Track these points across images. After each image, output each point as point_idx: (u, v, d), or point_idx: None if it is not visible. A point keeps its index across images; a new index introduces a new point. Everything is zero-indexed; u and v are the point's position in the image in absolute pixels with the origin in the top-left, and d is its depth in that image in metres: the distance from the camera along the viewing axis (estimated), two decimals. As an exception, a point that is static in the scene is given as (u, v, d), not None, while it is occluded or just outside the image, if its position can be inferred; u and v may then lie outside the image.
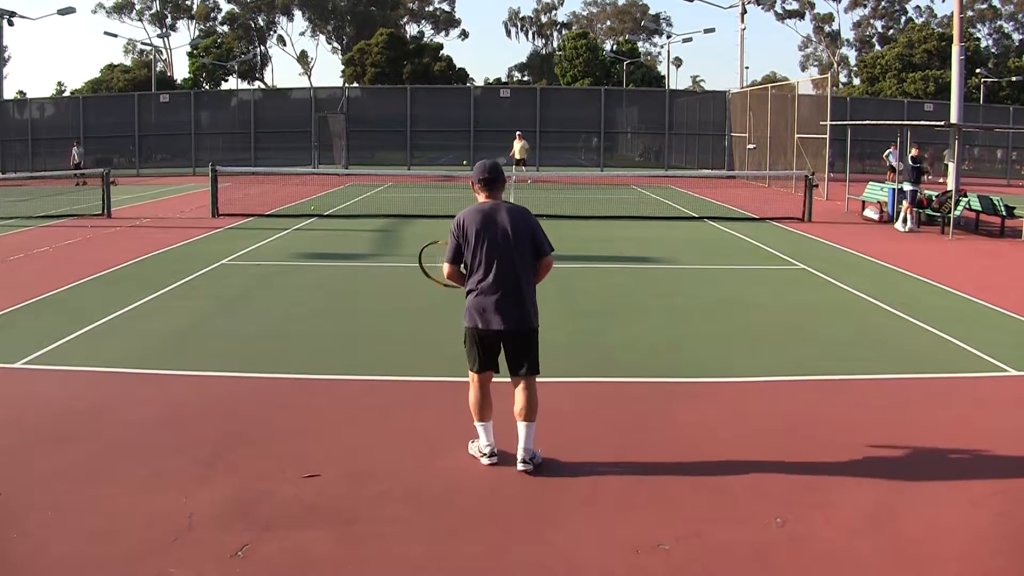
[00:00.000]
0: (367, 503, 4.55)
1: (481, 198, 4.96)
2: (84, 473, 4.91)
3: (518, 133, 29.17)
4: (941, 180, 24.22)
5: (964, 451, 5.40)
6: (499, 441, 5.04)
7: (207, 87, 62.86)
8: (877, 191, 19.29)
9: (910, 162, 16.74)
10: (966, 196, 16.86)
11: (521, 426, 4.93)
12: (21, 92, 58.31)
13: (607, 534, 4.22)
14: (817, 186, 19.43)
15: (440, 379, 6.71)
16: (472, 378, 5.03)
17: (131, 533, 4.18)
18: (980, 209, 16.50)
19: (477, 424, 5.05)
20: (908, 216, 16.50)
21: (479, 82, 69.78)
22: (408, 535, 4.21)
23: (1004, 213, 16.18)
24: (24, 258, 12.64)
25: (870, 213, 18.77)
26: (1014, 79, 55.98)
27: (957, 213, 16.33)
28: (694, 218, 18.82)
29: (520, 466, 4.88)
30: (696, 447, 5.40)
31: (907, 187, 16.62)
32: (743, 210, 20.12)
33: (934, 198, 17.37)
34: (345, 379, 6.81)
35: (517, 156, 28.32)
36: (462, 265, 4.95)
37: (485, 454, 5.01)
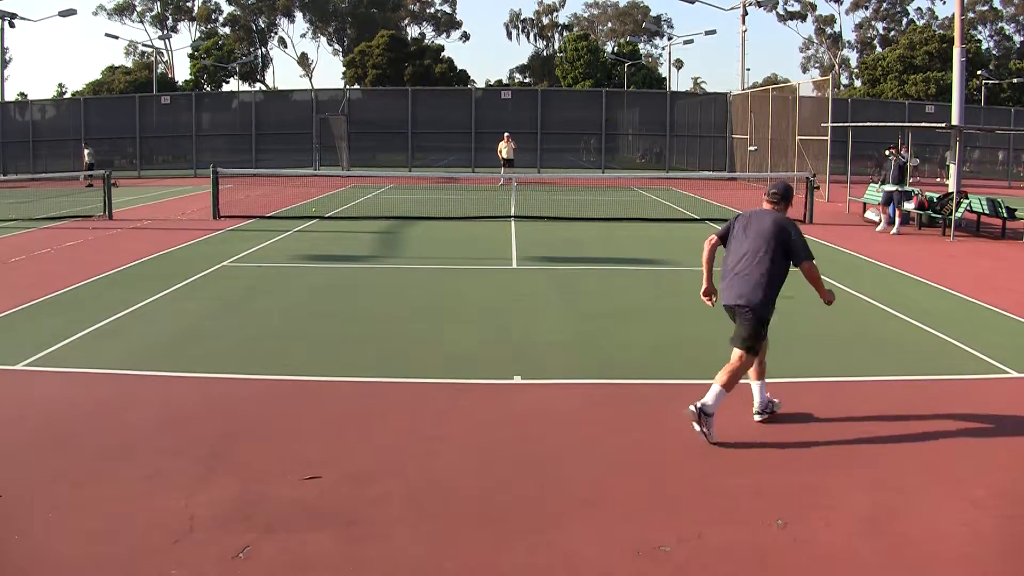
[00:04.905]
0: (367, 504, 4.56)
1: (765, 206, 5.92)
2: (85, 474, 4.91)
3: (506, 135, 29.14)
4: (939, 180, 24.23)
5: (965, 453, 5.39)
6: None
7: (208, 89, 62.91)
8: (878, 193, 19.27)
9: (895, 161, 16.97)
10: (967, 198, 16.85)
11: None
12: (22, 94, 58.37)
13: (608, 535, 4.23)
14: (818, 188, 19.42)
15: (439, 381, 6.72)
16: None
17: (132, 534, 4.18)
18: (985, 212, 16.49)
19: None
20: (890, 217, 16.61)
21: (480, 84, 69.90)
22: (408, 536, 4.21)
23: (1005, 215, 16.18)
24: (25, 260, 12.65)
25: (871, 215, 18.76)
26: (1015, 81, 56.04)
27: (958, 215, 16.33)
28: (695, 220, 18.81)
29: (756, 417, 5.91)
30: (697, 448, 5.40)
31: (891, 188, 16.80)
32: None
33: (935, 199, 17.37)
34: (345, 380, 6.80)
35: (505, 156, 28.30)
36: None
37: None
